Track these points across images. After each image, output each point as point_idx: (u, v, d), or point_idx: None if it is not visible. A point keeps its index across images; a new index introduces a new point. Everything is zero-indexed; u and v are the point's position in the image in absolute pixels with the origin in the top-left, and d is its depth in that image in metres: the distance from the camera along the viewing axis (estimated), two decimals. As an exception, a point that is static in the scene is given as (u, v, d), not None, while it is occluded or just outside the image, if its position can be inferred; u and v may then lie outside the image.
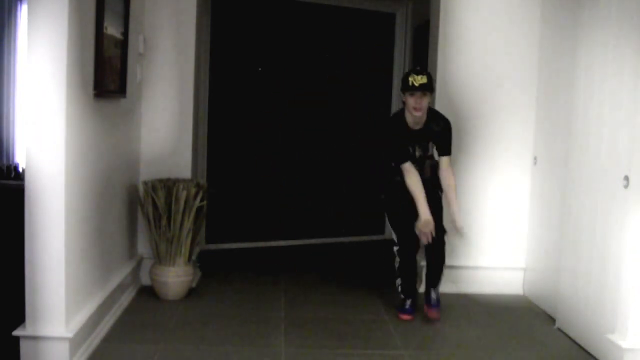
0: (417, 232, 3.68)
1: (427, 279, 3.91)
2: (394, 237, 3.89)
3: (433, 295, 3.83)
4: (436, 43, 4.34)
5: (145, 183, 3.92)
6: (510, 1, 4.28)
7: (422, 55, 4.92)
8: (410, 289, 3.88)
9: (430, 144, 3.80)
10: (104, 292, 3.42)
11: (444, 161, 3.80)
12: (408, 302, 3.86)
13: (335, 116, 5.73)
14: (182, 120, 4.24)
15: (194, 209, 3.86)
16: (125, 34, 3.57)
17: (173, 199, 3.81)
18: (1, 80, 5.14)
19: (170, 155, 4.22)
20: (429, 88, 3.62)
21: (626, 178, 3.08)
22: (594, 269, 3.38)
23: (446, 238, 3.83)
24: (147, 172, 4.17)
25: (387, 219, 4.07)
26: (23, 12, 5.26)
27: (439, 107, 4.30)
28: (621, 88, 3.18)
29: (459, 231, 3.80)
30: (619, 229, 3.15)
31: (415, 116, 3.65)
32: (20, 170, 4.31)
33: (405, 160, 3.72)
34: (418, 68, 3.83)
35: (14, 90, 5.24)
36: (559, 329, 3.72)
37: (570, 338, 3.59)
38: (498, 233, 4.41)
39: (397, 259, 3.90)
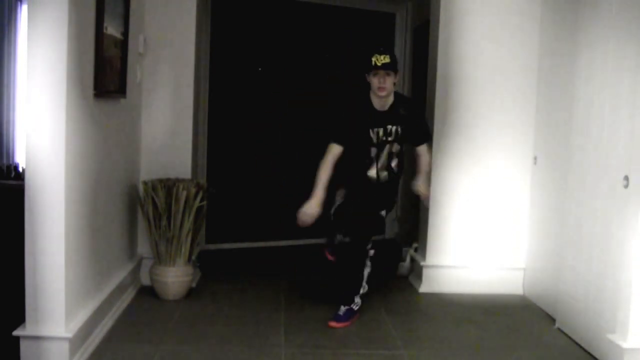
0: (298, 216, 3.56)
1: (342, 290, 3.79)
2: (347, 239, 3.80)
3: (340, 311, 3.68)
4: (436, 43, 4.34)
5: (145, 183, 3.92)
6: (510, 1, 4.28)
7: (422, 55, 4.92)
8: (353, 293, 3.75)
9: (396, 129, 3.65)
10: (104, 292, 3.42)
11: (422, 149, 3.77)
12: (349, 306, 3.71)
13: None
14: (182, 120, 4.24)
15: (194, 209, 3.86)
16: (125, 34, 3.57)
17: (173, 199, 3.81)
18: (1, 80, 5.14)
19: (170, 155, 4.22)
20: (392, 67, 3.52)
21: (626, 178, 3.08)
22: (594, 269, 3.38)
23: (369, 262, 3.75)
24: (147, 172, 4.17)
25: (336, 220, 3.88)
26: (23, 12, 5.26)
27: (439, 107, 4.31)
28: (621, 88, 3.18)
29: (423, 200, 3.80)
30: (618, 229, 3.15)
31: (380, 97, 3.56)
32: (20, 170, 4.31)
33: (342, 142, 3.59)
34: (381, 48, 3.61)
35: (14, 90, 5.25)
36: (559, 329, 3.72)
37: (570, 338, 3.59)
38: (498, 233, 4.41)
39: (368, 264, 3.77)
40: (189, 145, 4.27)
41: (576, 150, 3.63)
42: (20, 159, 5.09)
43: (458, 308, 4.09)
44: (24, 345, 2.79)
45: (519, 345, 3.50)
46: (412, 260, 4.74)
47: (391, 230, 6.02)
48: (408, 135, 3.73)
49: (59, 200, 2.77)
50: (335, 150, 3.61)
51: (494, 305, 4.15)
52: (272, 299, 4.09)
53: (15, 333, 2.78)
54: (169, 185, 3.86)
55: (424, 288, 4.41)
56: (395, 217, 6.02)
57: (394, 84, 3.60)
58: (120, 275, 3.74)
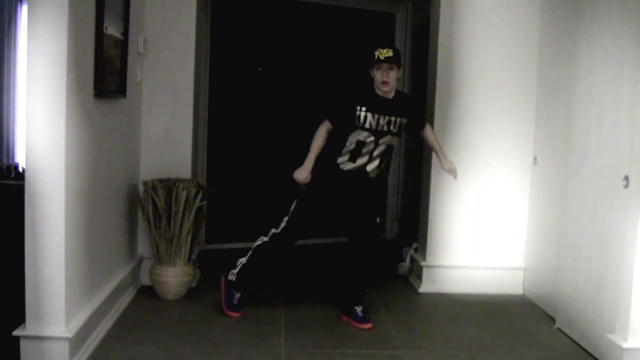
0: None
1: (349, 294, 3.77)
2: (284, 223, 3.74)
3: (359, 312, 3.68)
4: (436, 43, 4.35)
5: (145, 183, 3.92)
6: (510, 1, 4.28)
7: (422, 55, 4.92)
8: (249, 281, 3.74)
9: (398, 120, 3.57)
10: (104, 292, 3.42)
11: (427, 131, 3.81)
12: (237, 295, 3.74)
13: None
14: (182, 120, 4.24)
15: (194, 209, 3.87)
16: (125, 34, 3.57)
17: (173, 199, 3.81)
18: (1, 80, 5.14)
19: (170, 155, 4.22)
20: (395, 60, 3.52)
21: (626, 178, 3.08)
22: (594, 269, 3.38)
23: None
24: (147, 172, 4.17)
25: (295, 205, 3.76)
26: (23, 12, 5.26)
27: (439, 107, 4.31)
28: (621, 88, 3.18)
29: (451, 173, 3.81)
30: (618, 229, 3.15)
31: (384, 92, 3.55)
32: (20, 170, 4.31)
33: (333, 119, 3.61)
34: (385, 44, 3.61)
35: (14, 90, 5.25)
36: (559, 329, 3.72)
37: (570, 338, 3.59)
38: (498, 233, 4.41)
39: (265, 240, 3.75)
40: (189, 145, 4.27)
41: (576, 150, 3.63)
42: (20, 159, 5.09)
43: (458, 308, 4.09)
44: (24, 345, 2.79)
45: (519, 345, 3.50)
46: (412, 260, 4.74)
47: (391, 230, 6.02)
48: (410, 124, 3.69)
49: (59, 200, 2.77)
50: (327, 125, 3.64)
51: (494, 305, 4.15)
52: (272, 299, 4.09)
53: (15, 333, 2.78)
54: (169, 185, 3.86)
55: (424, 288, 4.41)
56: (395, 217, 6.02)
57: (397, 79, 3.60)
58: (120, 275, 3.74)
